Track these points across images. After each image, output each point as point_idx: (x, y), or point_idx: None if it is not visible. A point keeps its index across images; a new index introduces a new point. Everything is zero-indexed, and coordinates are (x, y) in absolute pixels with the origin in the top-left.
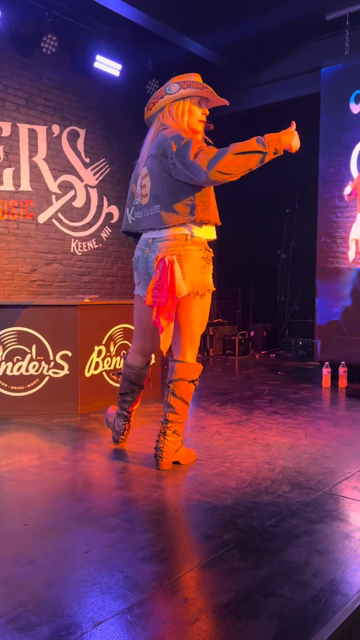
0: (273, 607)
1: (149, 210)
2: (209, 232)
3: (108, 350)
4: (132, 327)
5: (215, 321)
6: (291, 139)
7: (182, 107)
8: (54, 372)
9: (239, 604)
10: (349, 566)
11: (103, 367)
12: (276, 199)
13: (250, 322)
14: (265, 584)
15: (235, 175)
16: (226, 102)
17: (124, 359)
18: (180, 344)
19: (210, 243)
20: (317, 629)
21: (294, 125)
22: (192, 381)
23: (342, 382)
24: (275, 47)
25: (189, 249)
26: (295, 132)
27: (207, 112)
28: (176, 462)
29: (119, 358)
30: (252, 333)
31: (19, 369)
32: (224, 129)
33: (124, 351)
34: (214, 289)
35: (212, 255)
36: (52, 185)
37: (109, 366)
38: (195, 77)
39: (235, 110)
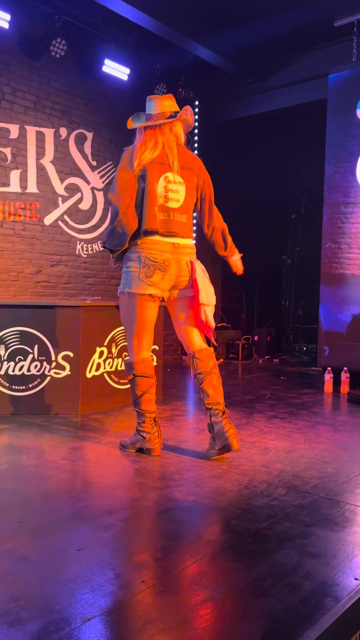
0: (262, 608)
1: (175, 215)
2: None
3: (110, 352)
4: None
5: (219, 325)
6: None
7: (183, 129)
8: (55, 373)
9: (229, 604)
10: (340, 569)
11: (104, 368)
12: (282, 204)
13: (255, 327)
14: (256, 584)
15: None
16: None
17: (135, 360)
18: (200, 336)
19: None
20: (305, 630)
21: None
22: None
23: (344, 388)
24: (283, 52)
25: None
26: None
27: None
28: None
29: (120, 360)
30: (256, 338)
31: (20, 369)
32: (233, 134)
33: (125, 353)
34: None
35: None
36: (59, 187)
37: (111, 367)
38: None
39: (243, 115)
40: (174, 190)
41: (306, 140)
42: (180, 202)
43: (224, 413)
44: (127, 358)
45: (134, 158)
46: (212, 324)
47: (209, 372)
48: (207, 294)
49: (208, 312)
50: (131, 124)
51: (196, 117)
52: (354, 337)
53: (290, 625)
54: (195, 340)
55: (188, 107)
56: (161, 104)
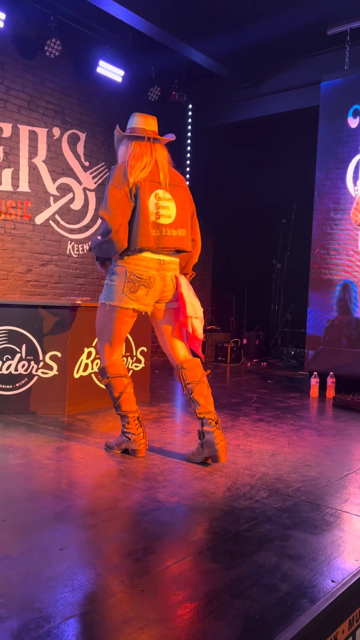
0: (239, 608)
1: (168, 231)
2: None
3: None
4: None
5: (208, 328)
6: None
7: None
8: (42, 372)
9: (207, 604)
10: (318, 572)
11: (92, 369)
12: (273, 208)
13: (244, 330)
14: (234, 585)
15: None
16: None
17: (107, 364)
18: (185, 347)
19: (206, 249)
20: (280, 631)
21: None
22: None
23: (330, 393)
24: (277, 59)
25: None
26: None
27: None
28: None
29: None
30: (244, 341)
31: (7, 368)
32: (225, 138)
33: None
34: None
35: None
36: (51, 187)
37: (98, 368)
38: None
39: (236, 119)
40: (165, 206)
41: (297, 146)
42: (172, 218)
43: (217, 422)
44: (99, 365)
45: (129, 174)
46: (201, 336)
47: (199, 382)
48: (194, 307)
49: (196, 324)
50: (120, 131)
51: (189, 120)
52: (339, 342)
53: (266, 625)
54: (180, 351)
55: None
56: (148, 122)
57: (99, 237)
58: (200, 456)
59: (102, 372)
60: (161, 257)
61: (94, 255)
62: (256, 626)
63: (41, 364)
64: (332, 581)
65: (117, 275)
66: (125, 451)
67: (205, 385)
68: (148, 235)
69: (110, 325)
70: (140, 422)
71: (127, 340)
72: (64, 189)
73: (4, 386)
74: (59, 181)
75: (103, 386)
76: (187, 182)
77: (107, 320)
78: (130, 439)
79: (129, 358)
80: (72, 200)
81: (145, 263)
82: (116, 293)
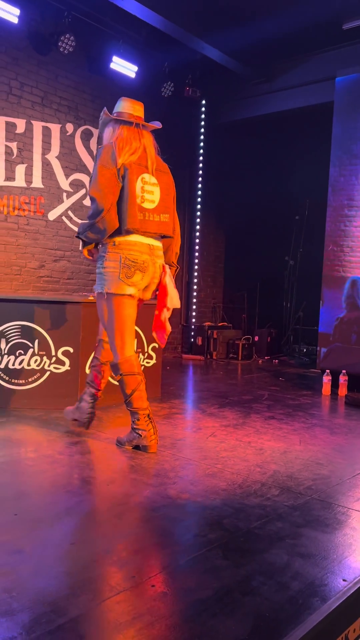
0: (250, 606)
1: (151, 216)
2: None
3: None
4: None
5: (219, 324)
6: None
7: None
8: (55, 368)
9: (217, 601)
10: (329, 570)
11: None
12: (286, 205)
13: (255, 327)
14: (245, 583)
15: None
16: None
17: (120, 361)
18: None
19: (218, 245)
20: (291, 629)
21: None
22: None
23: (342, 391)
24: (291, 54)
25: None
26: None
27: None
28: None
29: None
30: (256, 338)
31: (20, 363)
32: (239, 134)
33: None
34: None
35: None
36: (64, 183)
37: (111, 364)
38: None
39: (249, 115)
40: (149, 191)
41: (311, 142)
42: (155, 203)
43: (95, 399)
44: (112, 360)
45: (117, 155)
46: (169, 327)
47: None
48: (172, 299)
49: (167, 316)
50: (108, 114)
51: (202, 116)
52: (339, 338)
53: (277, 623)
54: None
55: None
56: (136, 108)
57: (89, 220)
58: (73, 415)
59: (114, 369)
60: (150, 241)
61: (82, 241)
62: (267, 624)
63: (53, 359)
64: (344, 580)
65: (111, 261)
66: (137, 447)
67: (108, 376)
68: (135, 217)
69: (114, 314)
70: (151, 419)
71: (138, 336)
72: (77, 185)
73: (16, 381)
74: (72, 177)
75: (115, 382)
76: (200, 179)
77: (109, 310)
78: (140, 435)
79: (140, 354)
80: (85, 196)
81: (138, 248)
82: (112, 280)
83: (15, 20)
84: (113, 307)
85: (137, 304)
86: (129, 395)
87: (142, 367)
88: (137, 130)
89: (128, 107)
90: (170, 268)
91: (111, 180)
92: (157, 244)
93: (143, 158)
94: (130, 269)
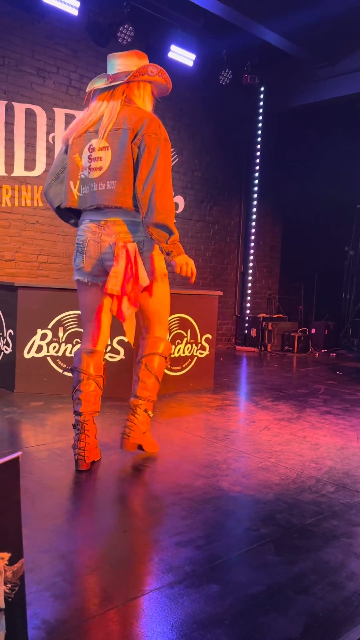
0: (303, 605)
1: (99, 184)
2: None
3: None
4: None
5: (275, 316)
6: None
7: (148, 91)
8: (110, 357)
9: (269, 598)
10: None
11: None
12: (346, 193)
13: (312, 319)
14: (298, 581)
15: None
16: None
17: (74, 356)
18: (151, 322)
19: (275, 235)
20: (345, 631)
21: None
22: (165, 357)
23: None
24: (355, 35)
25: (148, 236)
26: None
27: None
28: (140, 447)
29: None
30: (312, 330)
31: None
32: (298, 121)
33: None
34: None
35: None
36: None
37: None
38: (149, 64)
39: (310, 101)
40: (96, 157)
41: None
42: (102, 170)
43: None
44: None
45: (66, 134)
46: (125, 316)
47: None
48: (117, 281)
49: (124, 306)
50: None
51: (261, 103)
52: None
53: (330, 624)
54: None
55: (155, 65)
56: (119, 63)
57: None
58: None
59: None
60: (102, 217)
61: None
62: (320, 624)
63: (108, 347)
64: None
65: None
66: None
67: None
68: (70, 192)
69: (78, 300)
70: (84, 429)
71: (191, 326)
72: None
73: None
74: None
75: (170, 372)
76: (257, 167)
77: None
78: (74, 444)
79: (193, 345)
80: None
81: (83, 226)
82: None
83: (75, 13)
84: (77, 293)
85: (98, 291)
86: (71, 393)
87: (195, 358)
88: (108, 94)
89: (110, 66)
90: (139, 244)
91: (56, 160)
92: (113, 218)
93: (96, 124)
94: (75, 252)
